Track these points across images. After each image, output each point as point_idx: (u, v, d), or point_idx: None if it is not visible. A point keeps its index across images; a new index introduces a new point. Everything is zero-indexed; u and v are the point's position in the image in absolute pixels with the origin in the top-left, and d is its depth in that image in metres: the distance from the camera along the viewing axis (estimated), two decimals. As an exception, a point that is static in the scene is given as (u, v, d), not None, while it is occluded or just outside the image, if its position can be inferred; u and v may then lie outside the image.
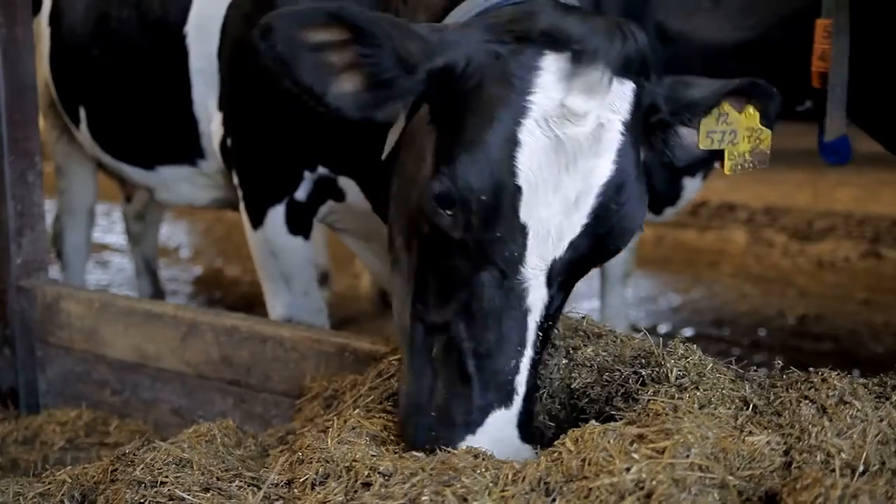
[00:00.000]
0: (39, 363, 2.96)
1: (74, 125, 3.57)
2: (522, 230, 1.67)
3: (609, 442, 1.54)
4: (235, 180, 2.91)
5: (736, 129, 1.90)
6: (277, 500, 1.71)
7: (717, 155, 1.94)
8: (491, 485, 1.52)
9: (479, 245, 1.69)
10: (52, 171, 4.09)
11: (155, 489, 1.72)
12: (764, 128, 1.92)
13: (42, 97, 3.85)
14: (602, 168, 1.68)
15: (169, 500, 1.70)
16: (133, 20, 3.11)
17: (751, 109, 1.90)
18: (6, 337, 2.97)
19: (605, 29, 1.71)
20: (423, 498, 1.50)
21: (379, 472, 1.62)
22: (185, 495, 1.70)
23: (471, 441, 1.68)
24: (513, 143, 1.66)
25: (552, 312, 1.76)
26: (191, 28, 2.94)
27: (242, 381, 2.58)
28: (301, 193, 2.77)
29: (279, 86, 2.49)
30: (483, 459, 1.60)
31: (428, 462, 1.61)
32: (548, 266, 1.70)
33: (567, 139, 1.66)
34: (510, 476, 1.53)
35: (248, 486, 1.75)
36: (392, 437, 1.80)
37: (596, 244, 1.72)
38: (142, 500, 1.71)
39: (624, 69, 1.71)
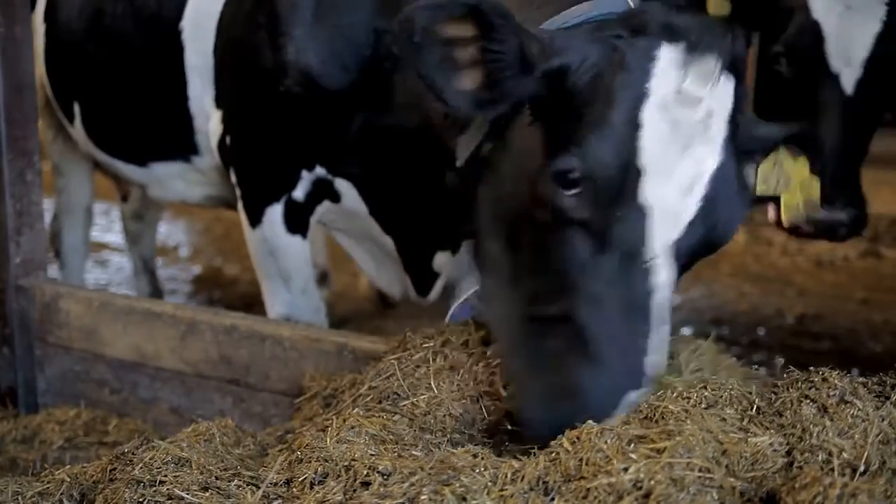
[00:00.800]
0: (38, 362, 2.96)
1: (69, 122, 3.57)
2: (644, 211, 1.72)
3: (606, 442, 1.54)
4: (233, 178, 2.91)
5: (791, 177, 1.94)
6: (276, 499, 1.71)
7: (766, 201, 2.00)
8: (490, 484, 1.52)
9: (602, 226, 1.74)
10: (50, 170, 4.09)
11: (154, 488, 1.72)
12: (813, 177, 1.95)
13: (38, 96, 3.85)
14: (711, 155, 1.75)
15: (168, 499, 1.70)
16: (128, 16, 3.11)
17: (803, 160, 1.94)
18: (5, 336, 2.96)
19: (717, 26, 1.79)
20: (423, 497, 1.50)
21: (378, 472, 1.63)
22: (184, 494, 1.70)
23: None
24: (635, 125, 1.72)
25: (669, 296, 1.77)
26: (186, 24, 2.93)
27: (241, 380, 2.58)
28: (299, 193, 2.77)
29: (279, 85, 2.50)
30: (482, 459, 1.60)
31: (427, 461, 1.61)
32: (668, 246, 1.74)
33: (683, 124, 1.73)
34: (509, 475, 1.53)
35: (247, 485, 1.75)
36: (391, 437, 1.80)
37: (704, 235, 1.77)
38: (141, 500, 1.71)
39: (731, 67, 1.77)
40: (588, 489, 1.46)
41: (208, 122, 2.97)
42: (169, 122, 3.09)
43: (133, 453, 1.84)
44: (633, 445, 1.53)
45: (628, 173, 1.71)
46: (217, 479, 1.76)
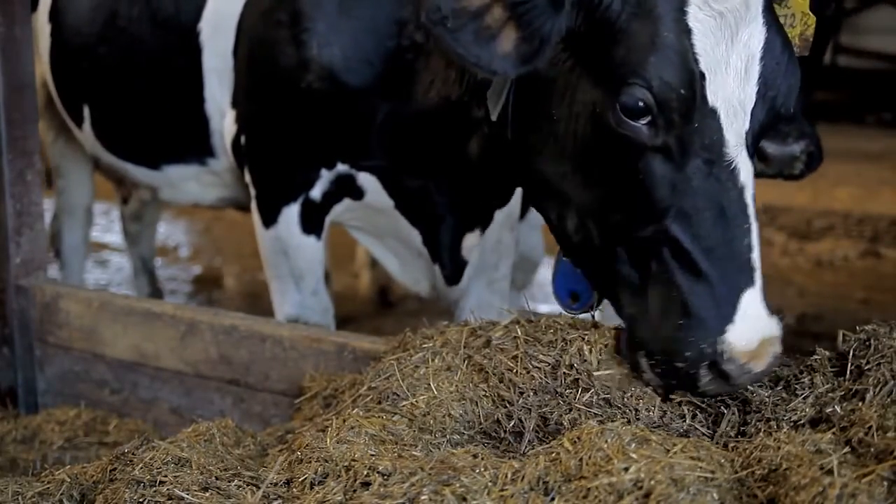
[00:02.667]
0: (38, 362, 2.96)
1: (76, 124, 3.54)
2: (714, 114, 1.76)
3: (607, 442, 1.54)
4: (247, 178, 2.88)
5: (794, 13, 1.99)
6: (276, 499, 1.71)
7: None
8: (490, 484, 1.52)
9: (680, 142, 1.78)
10: (48, 171, 4.09)
11: (154, 488, 1.72)
12: (811, 14, 1.99)
13: (38, 97, 3.84)
14: (757, 32, 1.78)
15: (168, 499, 1.70)
16: (144, 18, 3.08)
17: None
18: (5, 336, 2.96)
19: None
20: (423, 497, 1.50)
21: (378, 472, 1.63)
22: (183, 494, 1.70)
23: (732, 331, 1.73)
24: (686, 32, 1.75)
25: None
26: (205, 25, 2.91)
27: (241, 380, 2.58)
28: (316, 192, 2.75)
29: (301, 82, 2.47)
30: (482, 459, 1.60)
31: (427, 461, 1.61)
32: (742, 140, 1.78)
33: (728, 12, 1.76)
34: (509, 475, 1.53)
35: (247, 485, 1.75)
36: (391, 437, 1.80)
37: (769, 109, 1.82)
38: (140, 500, 1.71)
39: None
40: (588, 489, 1.46)
41: (223, 122, 2.96)
42: (184, 125, 3.07)
43: (133, 453, 1.84)
44: (633, 445, 1.53)
45: (693, 84, 1.75)
46: (217, 479, 1.76)
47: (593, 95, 1.86)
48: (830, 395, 1.77)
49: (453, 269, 2.86)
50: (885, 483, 1.43)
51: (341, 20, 2.57)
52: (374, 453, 1.70)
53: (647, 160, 1.81)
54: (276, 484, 1.74)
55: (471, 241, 2.83)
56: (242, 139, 2.84)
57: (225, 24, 2.85)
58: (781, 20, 1.94)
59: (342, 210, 2.83)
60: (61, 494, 1.87)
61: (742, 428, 1.79)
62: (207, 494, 1.70)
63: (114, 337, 2.80)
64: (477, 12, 1.81)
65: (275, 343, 2.51)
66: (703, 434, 1.79)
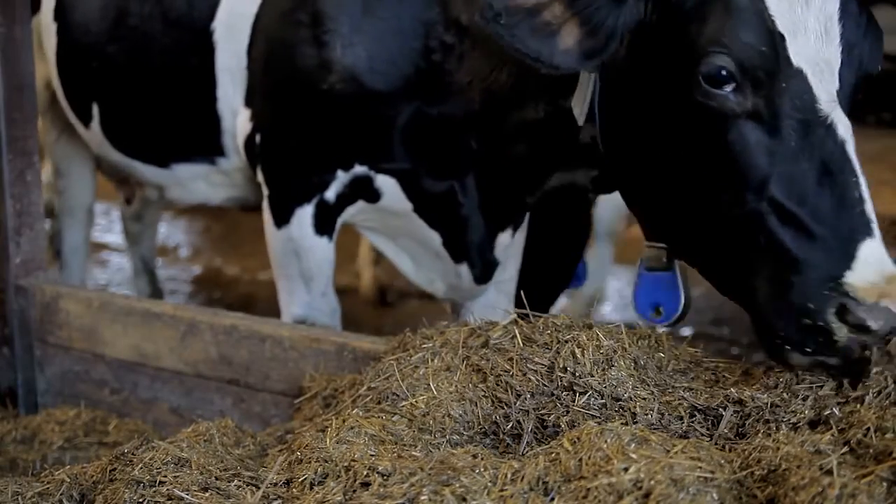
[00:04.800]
0: (38, 362, 2.96)
1: (83, 123, 3.51)
2: (801, 74, 1.78)
3: (606, 442, 1.54)
4: (259, 177, 2.86)
5: None
6: (276, 499, 1.71)
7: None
8: (489, 484, 1.52)
9: (770, 105, 1.79)
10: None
11: (153, 489, 1.72)
12: None
13: (40, 97, 3.84)
14: None
15: (167, 499, 1.70)
16: (156, 16, 3.05)
17: None
18: (5, 336, 2.96)
19: None
20: (422, 497, 1.51)
21: (378, 472, 1.63)
22: (183, 495, 1.70)
23: (857, 272, 1.70)
24: None
25: None
26: (219, 25, 2.90)
27: (241, 380, 2.58)
28: (331, 194, 2.73)
29: (322, 83, 2.45)
30: (482, 459, 1.60)
31: (426, 461, 1.61)
32: (834, 97, 1.79)
33: None
34: (509, 475, 1.53)
35: (247, 485, 1.75)
36: (391, 437, 1.80)
37: (856, 70, 1.83)
38: (140, 500, 1.71)
39: None
40: (588, 489, 1.46)
41: (236, 121, 2.94)
42: (195, 123, 3.05)
43: (133, 453, 1.84)
44: (633, 445, 1.53)
45: (773, 44, 1.77)
46: (217, 479, 1.76)
47: (678, 77, 1.88)
48: (830, 398, 1.77)
49: (484, 268, 2.85)
50: (885, 483, 1.43)
51: (365, 21, 2.56)
52: (373, 453, 1.70)
53: (739, 129, 1.82)
54: (275, 484, 1.74)
55: (504, 240, 2.82)
56: (257, 138, 2.82)
57: (240, 23, 2.83)
58: None
59: (355, 212, 2.81)
60: (61, 495, 1.87)
61: (740, 430, 1.79)
62: (207, 494, 1.70)
63: (114, 337, 2.80)
64: (533, 9, 1.82)
65: (275, 343, 2.51)
66: (702, 435, 1.79)
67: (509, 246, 2.84)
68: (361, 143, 2.65)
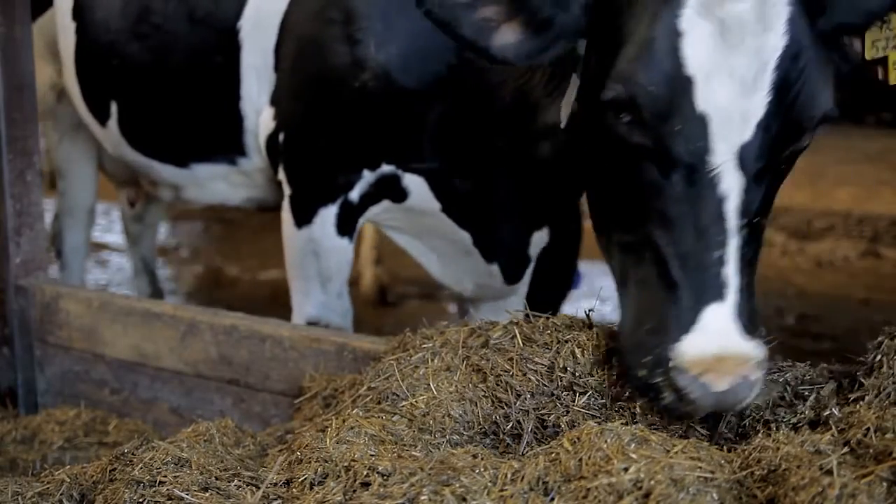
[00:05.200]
0: (38, 362, 2.96)
1: (99, 122, 3.49)
2: (703, 120, 1.68)
3: (606, 442, 1.54)
4: (281, 176, 2.84)
5: None
6: (276, 499, 1.71)
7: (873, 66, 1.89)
8: (490, 484, 1.52)
9: (660, 143, 1.72)
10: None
11: (153, 489, 1.72)
12: None
13: (43, 100, 3.83)
14: (773, 41, 1.68)
15: (167, 499, 1.70)
16: (181, 14, 3.05)
17: None
18: (5, 336, 2.96)
19: None
20: (422, 497, 1.50)
21: (378, 472, 1.62)
22: (183, 495, 1.70)
23: (689, 340, 1.66)
24: (675, 33, 1.68)
25: (757, 203, 1.73)
26: (245, 23, 2.89)
27: (241, 380, 2.58)
28: (355, 194, 2.72)
29: (354, 81, 2.43)
30: (482, 459, 1.60)
31: (426, 462, 1.61)
32: (736, 151, 1.69)
33: (730, 19, 1.68)
34: (509, 475, 1.53)
35: (247, 485, 1.75)
36: (391, 437, 1.80)
37: (785, 122, 1.71)
38: (140, 500, 1.71)
39: None
40: (588, 489, 1.46)
41: (259, 119, 2.93)
42: (217, 122, 3.04)
43: (133, 453, 1.84)
44: (633, 445, 1.53)
45: (676, 85, 1.69)
46: (217, 479, 1.76)
47: (596, 92, 1.84)
48: (830, 398, 1.77)
49: (516, 267, 2.85)
50: (885, 484, 1.43)
51: (398, 18, 2.55)
52: (373, 453, 1.70)
53: (636, 161, 1.77)
54: (275, 484, 1.74)
55: (539, 239, 2.81)
56: (280, 136, 2.80)
57: (267, 21, 2.82)
58: (882, 43, 1.86)
59: (379, 211, 2.79)
60: (61, 495, 1.87)
61: (740, 430, 1.79)
62: (207, 494, 1.70)
63: (114, 337, 2.80)
64: (470, 4, 1.80)
65: (275, 343, 2.51)
66: (702, 435, 1.79)
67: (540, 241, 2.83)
68: (391, 141, 2.63)
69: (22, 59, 2.90)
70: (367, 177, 2.69)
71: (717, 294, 1.69)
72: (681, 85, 1.68)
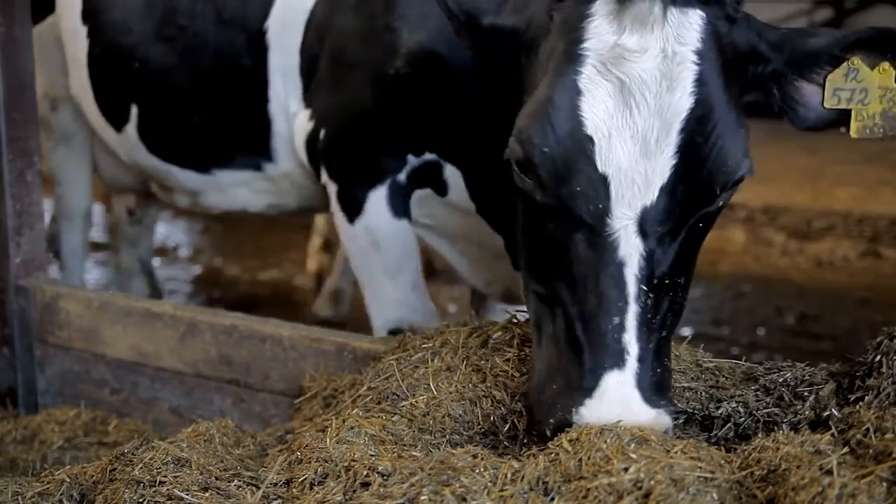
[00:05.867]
0: (38, 362, 2.96)
1: (114, 128, 3.42)
2: (603, 181, 1.63)
3: (606, 442, 1.54)
4: (324, 177, 2.81)
5: (867, 88, 1.76)
6: (276, 499, 1.71)
7: (844, 116, 1.79)
8: (490, 484, 1.52)
9: (561, 202, 1.66)
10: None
11: (153, 489, 1.72)
12: None
13: (39, 105, 3.82)
14: (678, 102, 1.62)
15: (167, 499, 1.70)
16: (208, 16, 3.01)
17: (885, 66, 1.74)
18: (5, 336, 2.96)
19: None
20: (422, 497, 1.50)
21: (378, 472, 1.63)
22: (183, 495, 1.70)
23: (589, 407, 1.61)
24: (574, 93, 1.63)
25: (666, 265, 1.67)
26: (273, 23, 2.88)
27: (241, 380, 2.58)
28: (402, 175, 2.68)
29: (390, 68, 2.46)
30: (482, 459, 1.60)
31: (426, 462, 1.61)
32: (638, 215, 1.63)
33: (630, 80, 1.62)
34: (509, 475, 1.53)
35: (247, 485, 1.75)
36: (391, 437, 1.80)
37: (693, 186, 1.63)
38: (140, 500, 1.71)
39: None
40: (588, 489, 1.46)
41: (289, 123, 2.90)
42: (244, 126, 3.01)
43: (133, 453, 1.84)
44: (632, 445, 1.53)
45: (574, 146, 1.62)
46: (217, 479, 1.76)
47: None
48: (829, 399, 1.77)
49: None
50: (884, 484, 1.43)
51: (433, 5, 2.55)
52: (373, 453, 1.70)
53: (542, 216, 1.72)
54: (275, 484, 1.74)
55: None
56: (321, 134, 2.77)
57: (294, 20, 2.82)
58: (847, 94, 1.77)
59: (423, 196, 2.74)
60: (61, 495, 1.87)
61: (740, 430, 1.79)
62: (207, 495, 1.70)
63: (114, 337, 2.80)
64: None
65: (275, 343, 2.51)
66: (701, 436, 1.79)
67: None
68: (432, 128, 2.60)
69: (22, 59, 2.90)
70: (412, 161, 2.66)
71: (617, 361, 1.63)
72: (579, 146, 1.63)
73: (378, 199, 2.69)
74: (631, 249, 1.64)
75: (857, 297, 5.68)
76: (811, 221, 7.47)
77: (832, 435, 1.62)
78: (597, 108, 1.63)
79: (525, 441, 1.78)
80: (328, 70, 2.76)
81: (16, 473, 2.43)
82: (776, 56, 1.77)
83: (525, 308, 1.93)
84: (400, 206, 2.71)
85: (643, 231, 1.64)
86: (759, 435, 1.68)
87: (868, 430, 1.58)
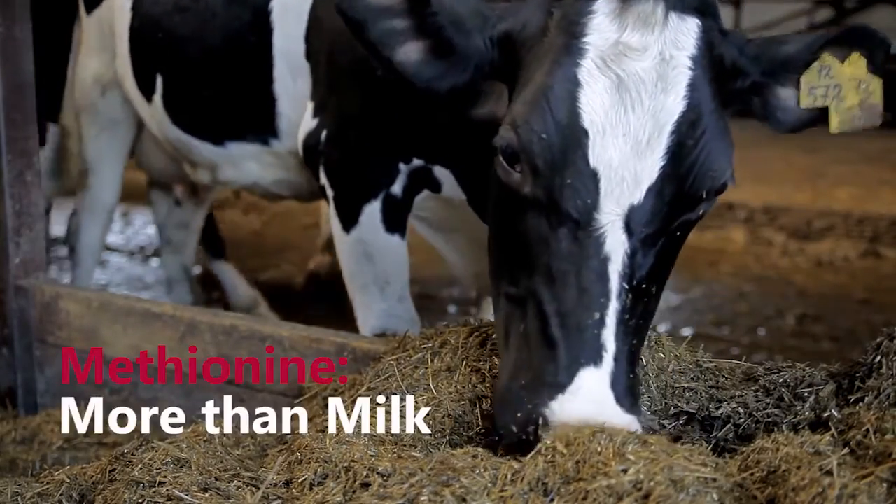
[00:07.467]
0: (38, 363, 2.96)
1: (146, 98, 3.50)
2: (594, 176, 1.63)
3: (600, 444, 1.53)
4: (323, 180, 2.80)
5: (840, 83, 1.78)
6: (276, 500, 1.71)
7: (823, 114, 1.81)
8: (489, 485, 1.52)
9: (549, 195, 1.66)
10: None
11: (153, 489, 1.72)
12: (873, 76, 1.78)
13: (86, 95, 3.85)
14: (671, 104, 1.64)
15: (167, 500, 1.70)
16: None
17: (855, 57, 1.77)
18: (4, 336, 2.96)
19: None
20: (422, 498, 1.50)
21: (377, 473, 1.63)
22: (183, 495, 1.70)
23: (560, 402, 1.59)
24: (573, 84, 1.64)
25: (645, 269, 1.67)
26: (276, 5, 2.91)
27: (241, 380, 2.58)
28: (397, 188, 2.67)
29: (377, 71, 2.40)
30: (482, 459, 1.60)
31: (426, 462, 1.61)
32: (625, 212, 1.64)
33: (628, 77, 1.63)
34: (508, 476, 1.53)
35: (247, 485, 1.75)
36: (390, 438, 1.80)
37: (679, 189, 1.65)
38: (140, 500, 1.71)
39: (682, 5, 1.68)
40: (587, 491, 1.45)
41: (292, 104, 2.92)
42: (251, 102, 3.04)
43: (132, 454, 1.84)
44: (632, 447, 1.53)
45: (569, 136, 1.63)
46: (216, 479, 1.76)
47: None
48: (829, 399, 1.77)
49: None
50: (884, 484, 1.43)
51: None
52: (373, 454, 1.70)
53: (525, 211, 1.71)
54: (275, 485, 1.74)
55: None
56: (322, 135, 2.76)
57: (298, 6, 2.82)
58: (822, 91, 1.78)
59: (419, 200, 2.74)
60: (60, 495, 1.87)
61: (740, 431, 1.79)
62: (207, 495, 1.70)
63: (114, 337, 2.80)
64: (382, 10, 1.78)
65: (275, 343, 2.51)
66: (702, 436, 1.79)
67: None
68: (417, 135, 2.58)
69: (22, 59, 2.91)
70: (404, 170, 2.65)
71: (594, 357, 1.62)
72: (575, 137, 1.63)
73: (372, 213, 2.71)
74: (616, 246, 1.65)
75: (858, 298, 5.68)
76: (811, 221, 7.48)
77: (832, 436, 1.62)
78: (594, 101, 1.64)
79: (492, 446, 1.71)
80: (325, 69, 2.77)
81: (15, 474, 2.43)
82: (754, 69, 1.80)
83: None
84: (394, 220, 2.72)
85: (629, 229, 1.65)
86: (759, 435, 1.68)
87: (868, 430, 1.58)
